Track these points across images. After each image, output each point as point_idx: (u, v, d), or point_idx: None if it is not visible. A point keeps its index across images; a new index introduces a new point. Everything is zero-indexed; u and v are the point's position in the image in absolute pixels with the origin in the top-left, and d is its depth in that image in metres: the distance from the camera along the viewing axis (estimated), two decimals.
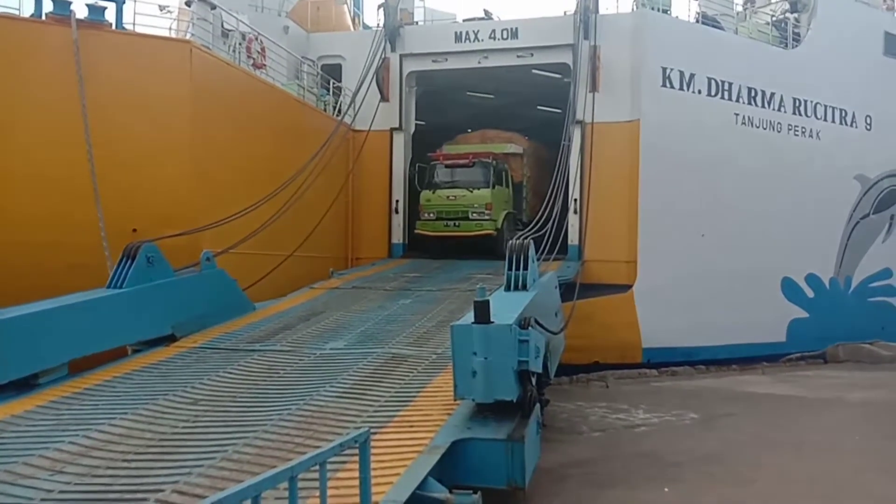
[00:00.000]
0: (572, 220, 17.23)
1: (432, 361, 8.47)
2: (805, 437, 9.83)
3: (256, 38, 16.04)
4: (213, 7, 15.14)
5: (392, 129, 18.91)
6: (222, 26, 15.36)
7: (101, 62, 11.69)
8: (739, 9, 22.54)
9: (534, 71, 19.73)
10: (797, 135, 19.14)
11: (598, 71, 17.03)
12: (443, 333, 9.42)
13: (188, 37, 14.58)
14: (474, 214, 17.87)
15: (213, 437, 6.07)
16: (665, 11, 18.74)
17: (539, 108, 23.18)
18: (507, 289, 8.64)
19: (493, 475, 5.74)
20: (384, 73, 18.50)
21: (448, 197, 18.09)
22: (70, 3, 11.66)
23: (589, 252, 17.01)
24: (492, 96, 23.16)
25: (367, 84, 17.81)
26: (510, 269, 8.77)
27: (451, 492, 5.10)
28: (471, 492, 5.13)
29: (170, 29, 16.82)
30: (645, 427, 10.56)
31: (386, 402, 6.99)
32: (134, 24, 13.09)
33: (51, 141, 11.47)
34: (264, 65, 16.16)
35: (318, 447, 4.69)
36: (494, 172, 18.34)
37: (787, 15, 20.52)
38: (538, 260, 9.91)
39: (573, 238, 17.27)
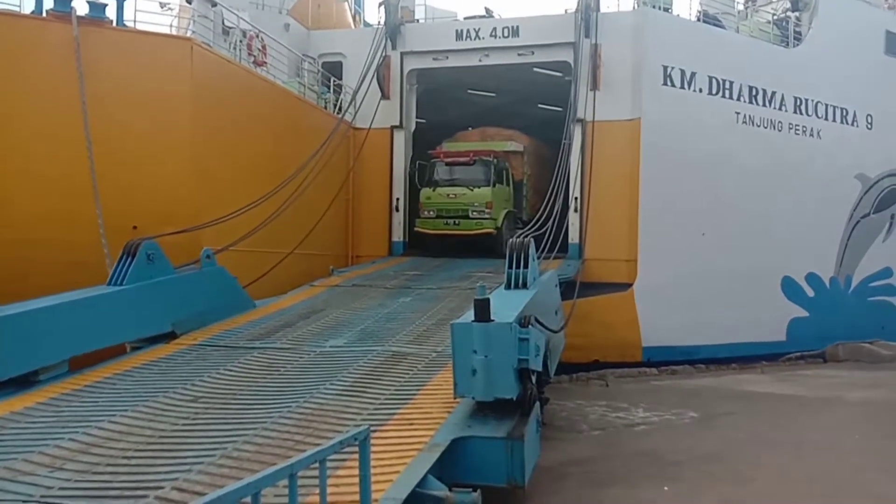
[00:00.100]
0: (573, 218, 17.21)
1: (432, 359, 8.47)
2: (804, 437, 9.84)
3: (257, 36, 16.03)
4: (214, 4, 15.14)
5: (393, 127, 18.88)
6: (223, 24, 15.38)
7: (101, 59, 11.68)
8: (741, 7, 22.50)
9: (535, 69, 19.69)
10: (798, 134, 19.12)
11: (598, 69, 17.01)
12: (443, 331, 9.42)
13: (189, 34, 14.57)
14: (474, 213, 17.85)
15: (213, 434, 6.06)
16: (666, 10, 18.78)
17: (540, 106, 23.11)
18: (508, 287, 8.64)
19: (492, 473, 5.74)
20: (385, 70, 18.48)
21: (448, 195, 18.06)
22: None
23: (589, 250, 16.98)
24: (492, 94, 23.14)
25: (368, 82, 17.78)
26: (510, 267, 8.77)
27: (450, 490, 5.10)
28: (470, 490, 5.11)
29: (170, 26, 16.83)
30: (644, 426, 10.56)
31: (386, 399, 6.99)
32: (135, 21, 13.15)
33: (51, 138, 11.47)
34: (265, 62, 16.15)
35: (318, 445, 4.71)
36: (495, 171, 18.30)
37: (789, 14, 20.48)
38: (538, 258, 9.90)
39: (573, 236, 17.25)
